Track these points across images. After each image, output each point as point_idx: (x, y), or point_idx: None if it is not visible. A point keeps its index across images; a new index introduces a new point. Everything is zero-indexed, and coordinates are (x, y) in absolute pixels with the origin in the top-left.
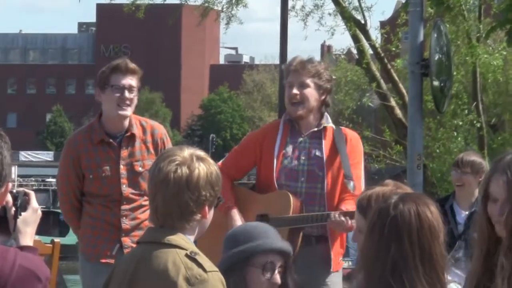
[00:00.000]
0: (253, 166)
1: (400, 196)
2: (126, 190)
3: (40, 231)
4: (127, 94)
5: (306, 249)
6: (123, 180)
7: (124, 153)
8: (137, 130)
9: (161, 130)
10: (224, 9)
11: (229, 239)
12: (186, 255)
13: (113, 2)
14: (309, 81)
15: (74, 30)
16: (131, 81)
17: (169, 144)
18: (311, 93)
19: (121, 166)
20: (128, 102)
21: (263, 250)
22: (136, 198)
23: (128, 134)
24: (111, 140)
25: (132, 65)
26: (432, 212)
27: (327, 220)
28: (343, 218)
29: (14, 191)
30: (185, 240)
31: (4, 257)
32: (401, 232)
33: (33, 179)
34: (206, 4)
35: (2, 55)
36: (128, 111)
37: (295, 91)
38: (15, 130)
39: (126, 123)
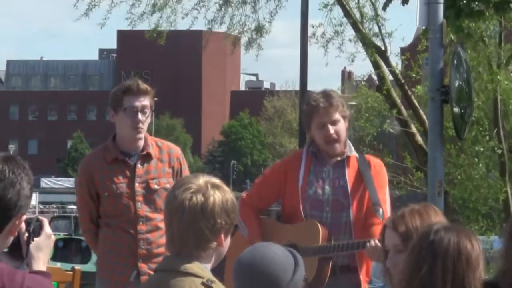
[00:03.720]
0: (277, 196)
1: (444, 225)
2: (142, 207)
3: (62, 258)
4: (140, 116)
5: (332, 279)
6: (138, 198)
7: (140, 171)
8: (153, 150)
9: (177, 150)
10: (254, 36)
11: (269, 276)
12: (203, 283)
13: (134, 29)
14: (338, 116)
15: (95, 56)
16: (144, 101)
17: (185, 165)
18: (342, 127)
19: (136, 184)
20: (141, 125)
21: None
22: (152, 216)
23: (144, 152)
24: (126, 158)
25: (143, 86)
26: (472, 244)
27: (359, 248)
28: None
29: (27, 217)
30: (201, 268)
31: (12, 279)
32: (437, 256)
33: (54, 205)
34: (233, 33)
35: (23, 81)
36: (142, 134)
37: (331, 130)
38: (36, 157)
39: (142, 143)
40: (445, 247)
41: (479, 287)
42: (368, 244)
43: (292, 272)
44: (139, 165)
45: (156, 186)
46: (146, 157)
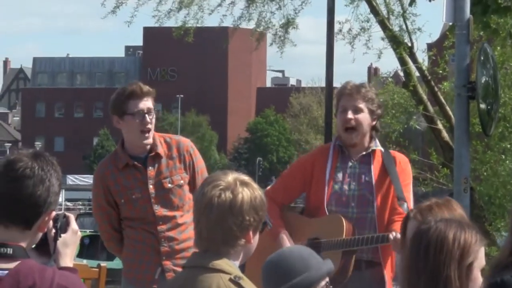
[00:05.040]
0: (302, 191)
1: (442, 218)
2: (159, 209)
3: (88, 255)
4: (147, 118)
5: (356, 274)
6: (153, 200)
7: (151, 172)
8: (161, 149)
9: (187, 143)
10: (279, 32)
11: (280, 269)
12: (230, 280)
13: (159, 25)
14: (363, 105)
15: (121, 53)
16: (148, 103)
17: (197, 156)
18: (365, 117)
19: (150, 186)
20: (149, 126)
21: (327, 273)
22: (170, 215)
23: (153, 153)
24: (136, 163)
25: (146, 88)
26: (460, 237)
27: (384, 241)
28: None
29: (54, 213)
30: (230, 264)
31: (42, 276)
32: (421, 244)
33: (80, 203)
34: (259, 29)
35: (49, 79)
36: (151, 138)
37: (350, 115)
38: (62, 154)
39: (151, 141)
40: (429, 237)
41: (458, 279)
42: (391, 236)
43: (298, 275)
44: (150, 167)
45: (169, 185)
46: (156, 158)
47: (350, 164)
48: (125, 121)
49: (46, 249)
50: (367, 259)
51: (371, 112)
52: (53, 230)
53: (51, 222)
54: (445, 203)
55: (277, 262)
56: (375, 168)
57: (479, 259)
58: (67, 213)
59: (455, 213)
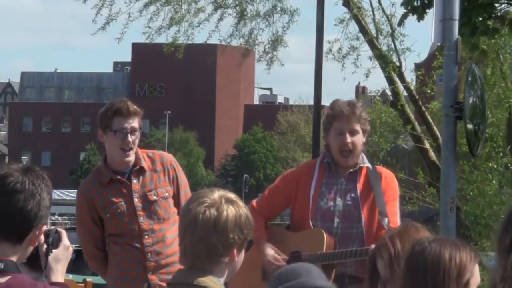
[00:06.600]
0: (286, 206)
1: (435, 237)
2: (145, 221)
3: (73, 270)
4: (129, 137)
5: None
6: (139, 213)
7: (136, 186)
8: (145, 163)
9: (170, 157)
10: (267, 49)
11: (272, 282)
12: None
13: (149, 41)
14: (358, 127)
15: (109, 69)
16: (133, 123)
17: (180, 170)
18: (360, 139)
19: (135, 199)
20: (131, 146)
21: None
22: (157, 228)
23: (137, 167)
24: (120, 177)
25: (133, 108)
26: (454, 254)
27: (362, 255)
28: None
29: (46, 228)
30: (215, 281)
31: None
32: (418, 268)
33: (66, 217)
34: (247, 46)
35: (37, 93)
36: (132, 156)
37: (348, 139)
38: (49, 169)
39: (133, 159)
40: (425, 258)
41: None
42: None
43: (295, 279)
44: (134, 181)
45: (154, 197)
46: (140, 171)
47: (337, 181)
48: (108, 137)
49: (37, 264)
50: (351, 273)
51: (364, 131)
52: (45, 245)
53: (42, 237)
54: (400, 232)
55: (282, 271)
56: (361, 185)
57: (475, 276)
58: (58, 229)
59: (411, 239)
